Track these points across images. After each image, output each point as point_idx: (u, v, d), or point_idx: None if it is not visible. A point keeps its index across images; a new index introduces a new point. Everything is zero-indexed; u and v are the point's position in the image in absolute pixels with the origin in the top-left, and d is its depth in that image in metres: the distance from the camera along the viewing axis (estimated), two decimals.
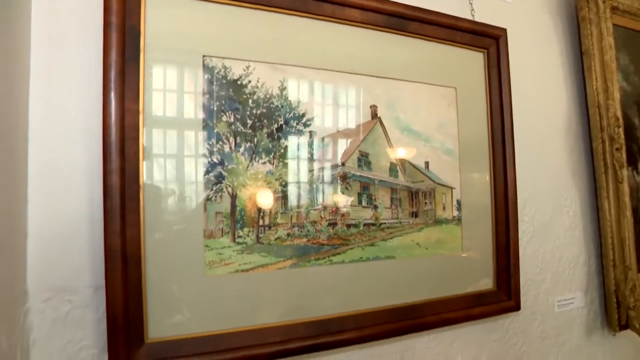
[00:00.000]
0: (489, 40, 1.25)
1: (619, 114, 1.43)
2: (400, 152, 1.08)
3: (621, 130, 1.42)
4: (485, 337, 1.23)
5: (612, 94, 1.44)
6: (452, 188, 1.15)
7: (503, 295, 1.21)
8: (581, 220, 1.47)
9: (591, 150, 1.47)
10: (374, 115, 1.06)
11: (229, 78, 0.90)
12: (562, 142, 1.46)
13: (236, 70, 0.91)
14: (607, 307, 1.43)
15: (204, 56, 0.88)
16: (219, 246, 0.87)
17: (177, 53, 0.86)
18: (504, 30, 1.27)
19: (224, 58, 0.90)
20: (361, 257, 1.02)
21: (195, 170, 0.87)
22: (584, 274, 1.45)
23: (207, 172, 0.87)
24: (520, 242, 1.28)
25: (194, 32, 0.88)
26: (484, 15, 1.30)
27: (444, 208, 1.13)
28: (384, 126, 1.06)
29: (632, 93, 1.62)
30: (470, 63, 1.23)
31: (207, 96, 0.88)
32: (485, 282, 1.20)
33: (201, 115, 0.87)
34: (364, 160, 1.03)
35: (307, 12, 0.98)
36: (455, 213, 1.16)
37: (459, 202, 1.16)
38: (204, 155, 0.87)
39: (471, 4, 1.29)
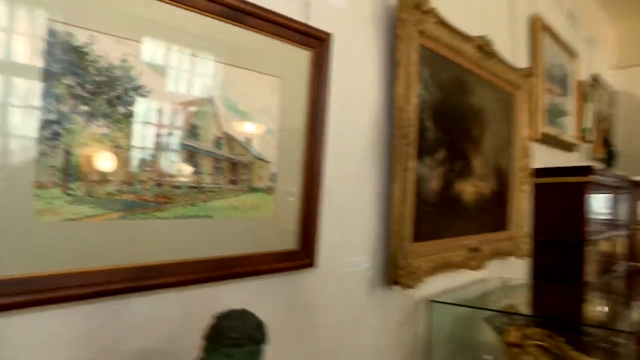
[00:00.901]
0: (315, 41, 1.48)
1: (413, 116, 1.80)
2: (226, 127, 1.25)
3: (412, 129, 1.79)
4: (285, 289, 1.48)
5: (410, 100, 1.79)
6: (269, 162, 1.37)
7: (304, 254, 1.47)
8: (377, 200, 1.82)
9: (392, 144, 1.81)
10: (207, 93, 1.21)
11: (71, 44, 0.97)
12: (369, 136, 1.78)
13: (80, 38, 0.99)
14: (387, 268, 1.81)
15: (48, 19, 0.94)
16: (50, 196, 0.96)
17: (21, 14, 0.91)
18: (329, 35, 1.51)
19: (68, 24, 0.97)
20: (183, 215, 1.18)
21: (30, 126, 0.93)
22: (374, 242, 1.81)
23: (42, 128, 0.94)
24: (325, 213, 1.56)
25: None
26: (321, 19, 1.54)
27: (260, 179, 1.35)
28: (214, 104, 1.23)
29: (429, 101, 2.02)
30: (297, 59, 1.45)
31: (48, 59, 0.94)
32: (290, 243, 1.45)
33: (41, 76, 0.94)
34: (193, 131, 1.19)
35: None
36: (270, 184, 1.38)
37: (274, 175, 1.38)
38: (41, 112, 0.94)
39: (307, 8, 1.51)
